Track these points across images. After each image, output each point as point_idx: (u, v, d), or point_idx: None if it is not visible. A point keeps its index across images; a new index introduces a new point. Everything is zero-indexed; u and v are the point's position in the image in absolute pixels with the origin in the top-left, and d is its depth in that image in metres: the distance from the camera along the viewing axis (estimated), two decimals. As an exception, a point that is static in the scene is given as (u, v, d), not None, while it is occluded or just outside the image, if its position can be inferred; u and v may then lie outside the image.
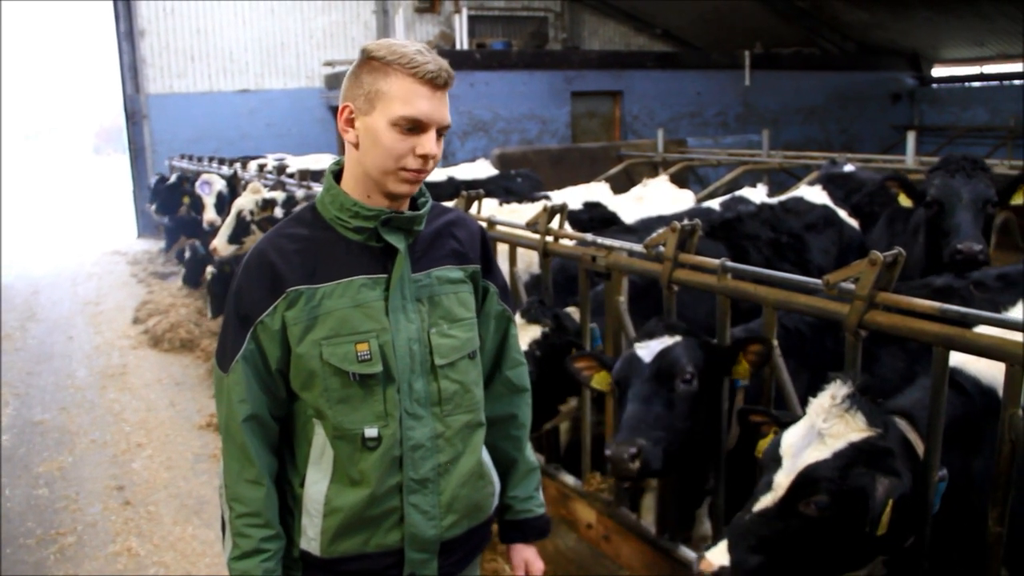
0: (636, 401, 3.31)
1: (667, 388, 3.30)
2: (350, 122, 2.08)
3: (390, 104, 2.00)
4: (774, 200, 5.92)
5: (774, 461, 2.49)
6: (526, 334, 4.14)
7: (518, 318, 4.16)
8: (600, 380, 3.66)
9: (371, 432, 2.09)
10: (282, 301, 2.06)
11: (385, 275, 2.11)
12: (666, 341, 3.38)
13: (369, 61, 2.04)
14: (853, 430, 2.42)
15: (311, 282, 2.07)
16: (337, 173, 2.18)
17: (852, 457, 2.37)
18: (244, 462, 2.11)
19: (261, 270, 2.09)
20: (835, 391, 2.48)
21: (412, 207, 2.20)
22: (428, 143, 2.02)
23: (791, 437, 2.49)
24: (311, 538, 2.16)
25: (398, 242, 2.11)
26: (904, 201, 5.08)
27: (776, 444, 2.53)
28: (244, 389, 2.09)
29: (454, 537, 2.25)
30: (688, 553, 3.84)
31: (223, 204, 10.13)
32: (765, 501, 2.43)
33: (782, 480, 2.42)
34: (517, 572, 2.50)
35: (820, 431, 2.43)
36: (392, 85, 2.00)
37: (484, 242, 2.36)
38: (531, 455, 2.54)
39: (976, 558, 2.60)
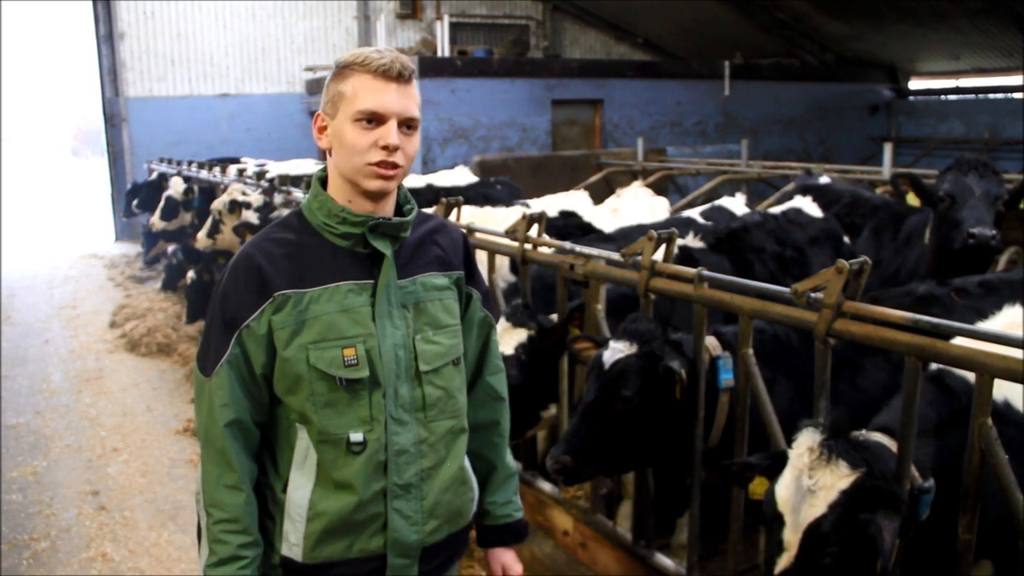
0: (581, 412, 3.49)
1: (609, 403, 3.41)
2: (322, 129, 2.14)
3: (350, 103, 2.05)
4: (777, 210, 5.86)
5: (776, 519, 2.53)
6: (511, 337, 4.15)
7: (503, 321, 4.18)
8: None
9: (356, 437, 2.10)
10: (269, 305, 2.07)
11: (371, 281, 2.13)
12: (625, 351, 3.44)
13: (336, 70, 2.10)
14: (839, 478, 2.45)
15: (299, 286, 2.08)
16: (323, 180, 2.21)
17: (847, 505, 2.42)
18: (224, 467, 2.10)
19: (248, 273, 2.10)
20: (809, 442, 2.51)
21: (398, 213, 2.22)
22: (388, 133, 2.04)
23: (783, 491, 2.53)
24: (293, 544, 2.16)
25: (385, 248, 2.13)
26: (912, 200, 5.05)
27: (772, 500, 2.56)
28: (227, 394, 2.09)
29: (435, 543, 2.26)
30: (664, 560, 3.87)
31: (172, 208, 10.67)
32: (783, 563, 2.48)
33: (791, 539, 2.47)
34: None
35: (809, 488, 2.46)
36: (349, 85, 2.06)
37: (467, 249, 2.39)
38: (510, 460, 2.57)
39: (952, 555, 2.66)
